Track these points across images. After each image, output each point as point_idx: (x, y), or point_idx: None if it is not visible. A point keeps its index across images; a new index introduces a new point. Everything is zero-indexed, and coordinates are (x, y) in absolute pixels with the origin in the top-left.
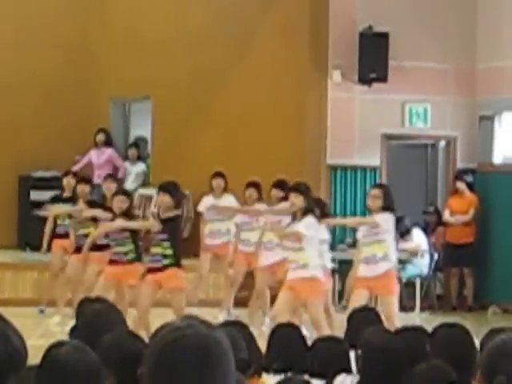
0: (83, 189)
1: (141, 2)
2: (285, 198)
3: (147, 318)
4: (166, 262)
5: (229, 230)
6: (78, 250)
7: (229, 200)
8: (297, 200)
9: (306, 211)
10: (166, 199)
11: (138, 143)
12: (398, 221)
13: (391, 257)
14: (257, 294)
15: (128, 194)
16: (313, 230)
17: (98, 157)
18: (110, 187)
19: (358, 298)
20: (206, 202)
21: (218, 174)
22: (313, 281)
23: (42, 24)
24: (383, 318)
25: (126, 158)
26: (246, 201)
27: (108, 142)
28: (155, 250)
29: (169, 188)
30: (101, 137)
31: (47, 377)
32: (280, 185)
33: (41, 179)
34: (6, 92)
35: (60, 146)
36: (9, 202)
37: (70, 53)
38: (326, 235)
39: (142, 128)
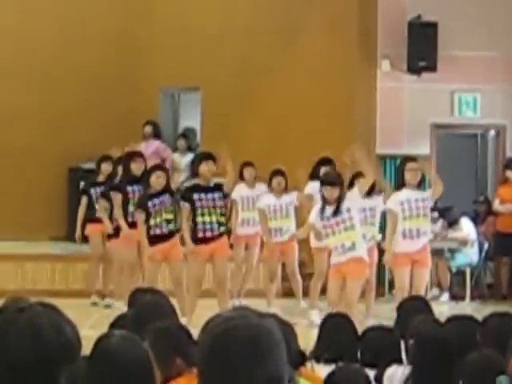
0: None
1: None
2: None
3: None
4: (222, 229)
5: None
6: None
7: (261, 189)
8: (333, 193)
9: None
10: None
11: (187, 134)
12: (447, 210)
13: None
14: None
15: (165, 169)
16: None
17: (146, 148)
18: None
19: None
20: (240, 191)
21: (248, 164)
22: (358, 261)
23: (90, 17)
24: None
25: (175, 149)
26: (273, 188)
27: (156, 134)
28: (210, 217)
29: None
30: (148, 129)
31: (98, 367)
32: (329, 161)
33: (90, 171)
34: (55, 85)
35: (110, 137)
36: (59, 193)
37: (118, 45)
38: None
39: (191, 119)
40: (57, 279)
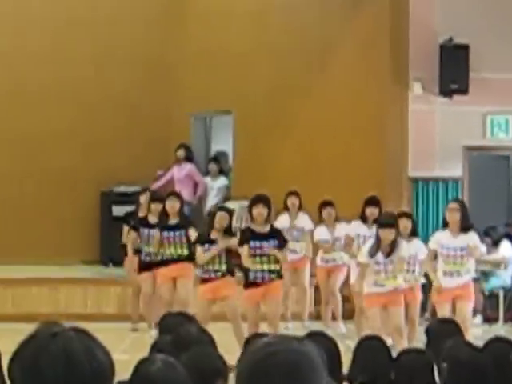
0: (156, 208)
1: (220, 17)
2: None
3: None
4: (273, 276)
5: (302, 248)
6: (146, 267)
7: (304, 219)
8: (390, 235)
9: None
10: (265, 213)
11: (218, 158)
12: (492, 229)
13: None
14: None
15: (229, 211)
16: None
17: (179, 172)
18: (174, 205)
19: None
20: (283, 221)
21: (293, 193)
22: (398, 292)
23: (121, 41)
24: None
25: (206, 172)
26: (322, 219)
27: (188, 157)
28: (262, 266)
29: (268, 201)
30: (181, 152)
31: None
32: (375, 202)
33: (122, 194)
34: (88, 110)
35: (142, 161)
36: (91, 217)
37: (149, 69)
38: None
39: (222, 142)
40: (89, 303)
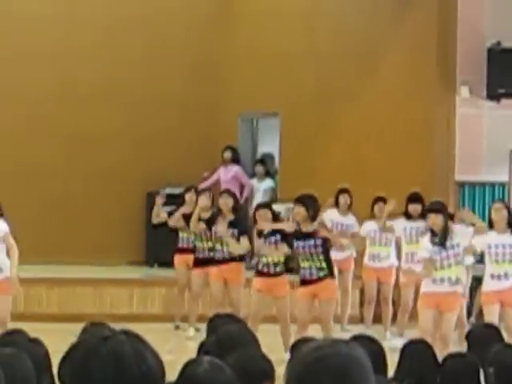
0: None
1: (268, 19)
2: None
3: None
4: (322, 274)
5: (349, 246)
6: (199, 263)
7: (351, 220)
8: (437, 219)
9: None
10: (302, 212)
11: (265, 159)
12: None
13: None
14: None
15: (271, 208)
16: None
17: (225, 174)
18: (226, 202)
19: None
20: (332, 216)
21: (345, 191)
22: (456, 295)
23: (171, 41)
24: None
25: (253, 174)
26: (373, 215)
27: (235, 159)
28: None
29: (305, 200)
30: (228, 154)
31: None
32: (418, 198)
33: (169, 196)
34: (136, 109)
35: (188, 162)
36: (137, 218)
37: (198, 69)
38: None
39: (269, 144)
40: (135, 304)
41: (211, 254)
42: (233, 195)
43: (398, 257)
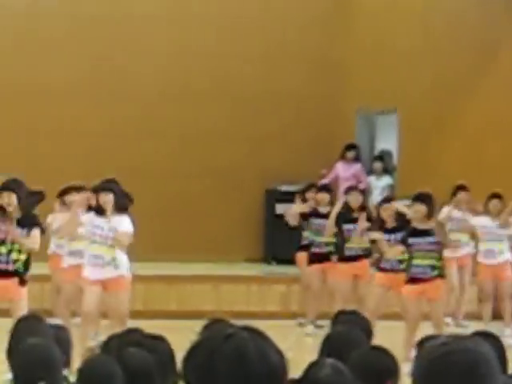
0: (323, 198)
1: (385, 16)
2: None
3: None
4: (435, 273)
5: (469, 241)
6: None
7: (469, 217)
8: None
9: None
10: (423, 209)
11: (383, 156)
12: None
13: None
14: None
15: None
16: None
17: (345, 171)
18: (358, 198)
19: None
20: (450, 212)
21: (463, 188)
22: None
23: (289, 37)
24: None
25: (371, 171)
26: (490, 211)
27: (357, 157)
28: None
29: (424, 198)
30: (352, 153)
31: None
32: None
33: (286, 193)
34: (253, 108)
35: (306, 159)
36: (255, 215)
37: (316, 66)
38: None
39: (387, 141)
40: (252, 301)
41: (327, 248)
42: (361, 192)
43: None
